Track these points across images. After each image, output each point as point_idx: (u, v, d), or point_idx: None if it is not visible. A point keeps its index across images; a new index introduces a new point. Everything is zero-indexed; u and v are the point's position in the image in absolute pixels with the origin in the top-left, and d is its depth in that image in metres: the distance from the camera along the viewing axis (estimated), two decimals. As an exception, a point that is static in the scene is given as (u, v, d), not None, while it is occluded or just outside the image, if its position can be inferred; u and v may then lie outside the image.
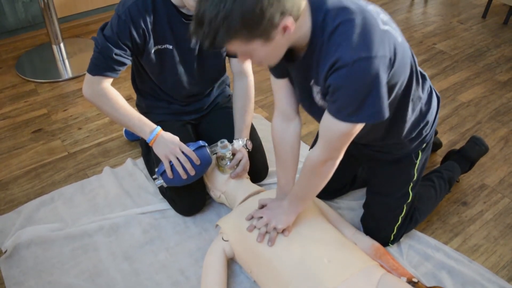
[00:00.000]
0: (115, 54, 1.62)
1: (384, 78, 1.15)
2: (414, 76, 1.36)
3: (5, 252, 1.72)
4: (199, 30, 1.09)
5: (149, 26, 1.64)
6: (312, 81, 1.29)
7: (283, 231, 1.53)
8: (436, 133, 2.19)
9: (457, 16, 3.65)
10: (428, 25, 3.50)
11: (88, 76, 1.68)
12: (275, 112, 1.54)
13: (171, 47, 1.71)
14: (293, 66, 1.33)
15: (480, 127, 2.41)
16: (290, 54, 1.28)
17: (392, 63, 1.18)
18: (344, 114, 1.19)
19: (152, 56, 1.72)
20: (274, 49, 1.16)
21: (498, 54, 3.10)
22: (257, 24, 1.07)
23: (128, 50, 1.65)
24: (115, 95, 1.70)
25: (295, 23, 1.13)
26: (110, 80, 1.70)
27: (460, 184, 2.05)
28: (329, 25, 1.15)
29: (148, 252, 1.74)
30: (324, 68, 1.18)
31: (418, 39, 3.28)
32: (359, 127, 1.24)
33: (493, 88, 2.73)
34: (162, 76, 1.82)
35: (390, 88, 1.26)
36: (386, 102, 1.19)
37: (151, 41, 1.68)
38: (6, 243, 1.75)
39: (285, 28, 1.11)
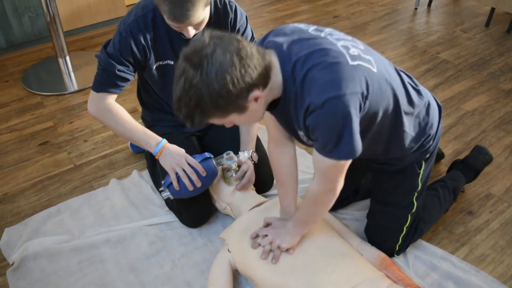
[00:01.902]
0: (118, 71, 1.65)
1: (355, 114, 1.19)
2: (402, 97, 1.39)
3: (12, 264, 1.73)
4: (179, 113, 1.17)
5: (150, 43, 1.66)
6: (296, 126, 1.33)
7: (287, 249, 1.54)
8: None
9: (460, 25, 3.66)
10: (431, 34, 3.51)
11: (92, 93, 1.71)
12: (268, 138, 1.58)
13: (172, 62, 1.73)
14: (274, 113, 1.39)
15: (485, 136, 2.41)
16: (271, 103, 1.32)
17: (365, 96, 1.22)
18: (326, 151, 1.24)
19: (154, 72, 1.75)
20: (252, 115, 1.23)
21: (502, 62, 3.10)
22: (227, 104, 1.14)
23: (130, 66, 1.68)
24: (119, 110, 1.72)
25: (265, 90, 1.19)
26: (115, 96, 1.73)
27: (465, 193, 2.05)
28: (298, 74, 1.21)
29: (154, 263, 1.74)
30: (300, 114, 1.24)
31: (421, 49, 3.29)
32: (347, 162, 1.28)
33: (497, 97, 2.73)
34: (165, 91, 1.84)
35: (373, 115, 1.30)
36: (358, 140, 1.23)
37: (152, 57, 1.70)
38: (13, 255, 1.75)
39: (256, 99, 1.18)
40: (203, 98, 1.11)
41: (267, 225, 1.63)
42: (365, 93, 1.21)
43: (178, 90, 1.13)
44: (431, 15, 3.86)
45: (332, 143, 1.21)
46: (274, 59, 1.23)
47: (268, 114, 1.47)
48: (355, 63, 1.22)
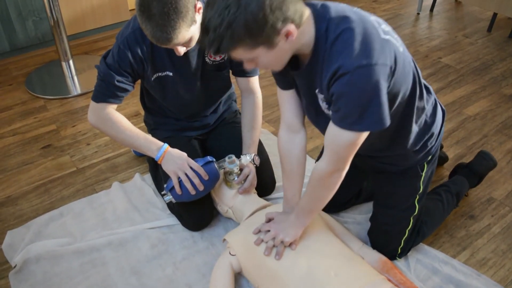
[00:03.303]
0: (117, 81, 1.66)
1: (384, 86, 1.17)
2: (418, 87, 1.38)
3: (15, 266, 1.73)
4: (205, 37, 1.12)
5: (146, 55, 1.67)
6: (317, 89, 1.31)
7: (290, 244, 1.53)
8: (441, 147, 2.19)
9: (462, 30, 3.66)
10: (434, 39, 3.52)
11: (92, 104, 1.73)
12: (281, 124, 1.55)
13: (171, 73, 1.74)
14: (298, 74, 1.35)
15: (486, 140, 2.41)
16: (295, 62, 1.30)
17: (392, 72, 1.20)
18: (347, 123, 1.21)
19: (153, 83, 1.76)
20: (278, 55, 1.19)
21: (504, 67, 3.11)
22: (260, 31, 1.10)
23: (129, 77, 1.69)
24: (119, 118, 1.74)
25: (297, 30, 1.15)
26: (114, 106, 1.74)
27: (467, 197, 2.05)
28: (332, 33, 1.18)
29: (156, 266, 1.75)
30: (326, 76, 1.20)
31: (423, 53, 3.30)
32: (364, 136, 1.25)
33: (499, 102, 2.73)
34: (166, 100, 1.85)
35: (393, 98, 1.28)
36: (387, 110, 1.20)
37: (149, 69, 1.71)
38: (15, 257, 1.76)
39: (287, 35, 1.14)
40: (237, 20, 1.07)
41: (269, 220, 1.62)
42: (393, 67, 1.20)
43: (211, 10, 1.08)
44: (433, 20, 3.87)
45: (356, 114, 1.19)
46: (308, 11, 1.20)
47: (285, 95, 1.45)
48: (387, 37, 1.20)
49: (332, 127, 1.26)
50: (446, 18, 3.88)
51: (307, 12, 1.18)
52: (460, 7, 4.09)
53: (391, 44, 1.21)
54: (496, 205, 2.02)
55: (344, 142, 1.25)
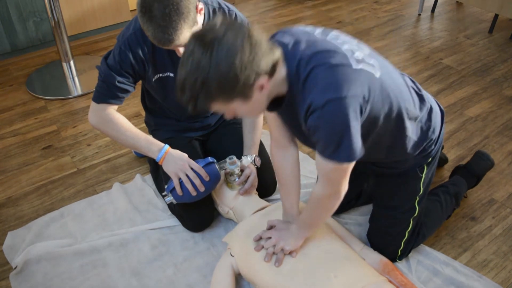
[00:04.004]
0: (118, 82, 1.66)
1: (355, 118, 1.20)
2: (406, 101, 1.39)
3: (15, 267, 1.73)
4: (181, 95, 1.16)
5: (148, 56, 1.67)
6: (302, 125, 1.33)
7: (290, 252, 1.54)
8: (442, 148, 2.19)
9: (464, 31, 3.66)
10: (435, 40, 3.52)
11: (93, 104, 1.73)
12: (271, 141, 1.58)
13: (172, 75, 1.74)
14: (279, 111, 1.38)
15: (487, 141, 2.41)
16: (275, 101, 1.32)
17: (367, 100, 1.23)
18: (328, 154, 1.25)
19: (154, 84, 1.76)
20: (255, 105, 1.22)
21: (505, 68, 3.10)
22: (233, 88, 1.13)
23: (130, 78, 1.69)
24: (120, 119, 1.73)
25: (270, 80, 1.19)
26: (115, 107, 1.74)
27: (468, 199, 2.05)
28: (302, 73, 1.22)
29: (157, 267, 1.74)
30: (302, 113, 1.24)
31: (424, 55, 3.30)
32: (348, 164, 1.27)
33: (500, 103, 2.73)
34: (167, 101, 1.85)
35: (374, 121, 1.31)
36: (358, 143, 1.23)
37: (150, 70, 1.71)
38: (16, 258, 1.76)
39: (261, 87, 1.17)
40: (209, 79, 1.10)
41: (271, 227, 1.63)
42: (367, 97, 1.22)
43: (185, 71, 1.12)
44: (434, 21, 3.87)
45: (332, 146, 1.22)
46: (280, 55, 1.22)
47: (271, 116, 1.47)
48: (359, 67, 1.22)
49: (317, 156, 1.29)
50: (447, 19, 3.88)
51: (276, 57, 1.20)
52: (461, 8, 4.09)
53: (363, 73, 1.23)
54: (498, 207, 2.01)
55: (332, 170, 1.29)
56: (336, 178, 1.32)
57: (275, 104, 1.33)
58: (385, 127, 1.36)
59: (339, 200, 1.39)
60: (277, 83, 1.23)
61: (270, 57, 1.16)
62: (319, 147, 1.26)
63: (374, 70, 1.27)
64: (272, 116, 1.47)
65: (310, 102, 1.19)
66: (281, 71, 1.23)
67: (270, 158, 1.62)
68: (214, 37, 1.09)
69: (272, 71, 1.18)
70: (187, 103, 1.16)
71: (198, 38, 1.12)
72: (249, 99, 1.18)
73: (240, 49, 1.09)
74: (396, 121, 1.38)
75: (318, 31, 1.32)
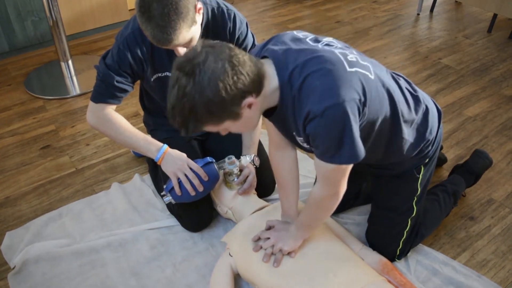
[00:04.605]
0: (117, 82, 1.66)
1: (355, 121, 1.20)
2: (401, 103, 1.39)
3: (14, 268, 1.73)
4: (173, 121, 1.18)
5: (146, 56, 1.67)
6: (294, 132, 1.34)
7: (289, 253, 1.54)
8: (441, 148, 2.19)
9: (463, 31, 3.66)
10: (434, 40, 3.52)
11: (91, 104, 1.72)
12: (269, 142, 1.59)
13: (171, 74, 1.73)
14: (272, 119, 1.39)
15: (486, 141, 2.41)
16: (267, 110, 1.32)
17: (363, 103, 1.23)
18: (327, 157, 1.25)
19: (153, 83, 1.76)
20: (246, 122, 1.24)
21: (504, 68, 3.10)
22: (221, 111, 1.15)
23: (129, 77, 1.69)
24: (118, 119, 1.73)
25: (258, 96, 1.20)
26: (114, 107, 1.74)
27: (467, 198, 2.05)
28: (296, 81, 1.22)
29: (156, 268, 1.74)
30: (300, 121, 1.24)
31: (423, 54, 3.30)
32: (347, 165, 1.28)
33: (499, 103, 2.73)
34: (165, 101, 1.84)
35: (372, 124, 1.31)
36: (360, 144, 1.24)
37: (149, 69, 1.71)
38: (14, 259, 1.75)
39: (249, 105, 1.18)
40: (196, 105, 1.12)
41: (269, 228, 1.62)
42: (363, 99, 1.22)
43: (172, 99, 1.15)
44: (433, 20, 3.87)
45: (333, 149, 1.22)
46: (268, 67, 1.24)
47: (267, 120, 1.47)
48: (353, 69, 1.23)
49: (316, 159, 1.30)
50: (446, 19, 3.88)
51: (264, 69, 1.21)
52: (460, 7, 4.09)
53: (358, 75, 1.23)
54: (496, 206, 2.01)
55: (331, 172, 1.29)
56: (335, 179, 1.32)
57: (268, 113, 1.33)
58: (382, 130, 1.37)
59: (338, 201, 1.39)
60: (267, 96, 1.24)
61: (256, 75, 1.17)
62: (318, 151, 1.27)
63: (368, 72, 1.27)
64: (268, 120, 1.47)
65: (308, 111, 1.19)
66: (272, 83, 1.24)
67: (269, 158, 1.61)
68: (196, 64, 1.11)
69: (259, 88, 1.19)
70: (179, 128, 1.19)
71: (180, 66, 1.14)
72: (239, 118, 1.19)
73: (222, 72, 1.11)
74: (392, 123, 1.39)
75: (310, 38, 1.33)
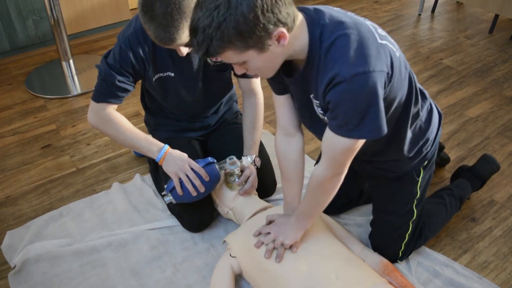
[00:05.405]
0: (118, 81, 1.65)
1: (381, 93, 1.16)
2: (413, 93, 1.37)
3: (14, 267, 1.72)
4: (193, 38, 1.09)
5: (148, 55, 1.66)
6: (312, 95, 1.30)
7: (290, 247, 1.53)
8: (442, 148, 2.19)
9: (464, 31, 3.66)
10: (435, 40, 3.51)
11: (92, 104, 1.71)
12: (277, 128, 1.55)
13: (173, 74, 1.73)
14: (291, 80, 1.34)
15: (488, 142, 2.41)
16: (288, 68, 1.28)
17: (389, 78, 1.19)
18: (345, 130, 1.20)
19: (154, 83, 1.75)
20: (269, 59, 1.17)
21: (506, 69, 3.10)
22: (250, 33, 1.07)
23: (130, 77, 1.68)
24: (120, 119, 1.72)
25: (289, 34, 1.14)
26: (115, 106, 1.73)
27: (468, 200, 2.04)
28: (326, 39, 1.16)
29: (156, 268, 1.74)
30: (322, 83, 1.18)
31: (424, 55, 3.29)
32: (361, 142, 1.24)
33: (500, 103, 2.73)
34: (167, 101, 1.84)
35: (389, 104, 1.27)
36: (384, 118, 1.19)
37: (151, 69, 1.70)
38: (15, 258, 1.75)
39: (279, 38, 1.12)
40: (227, 20, 1.04)
41: (270, 222, 1.62)
42: (390, 73, 1.18)
43: (199, 10, 1.06)
44: (434, 21, 3.86)
45: (354, 121, 1.17)
46: (301, 16, 1.18)
47: (280, 100, 1.44)
48: (383, 42, 1.19)
49: (329, 133, 1.25)
50: (448, 20, 3.87)
51: (300, 17, 1.16)
52: (461, 8, 4.09)
53: (387, 49, 1.20)
54: (498, 208, 2.01)
55: (342, 148, 1.24)
56: (343, 157, 1.27)
57: (289, 71, 1.28)
58: (392, 116, 1.33)
59: (339, 182, 1.35)
60: (296, 42, 1.18)
61: (291, 10, 1.12)
62: (335, 123, 1.21)
63: (395, 49, 1.24)
64: (281, 101, 1.44)
65: (335, 74, 1.13)
66: (302, 32, 1.18)
67: (275, 149, 1.57)
68: None
69: (292, 25, 1.13)
70: (199, 47, 1.09)
71: None
72: (265, 50, 1.12)
73: None
74: (402, 110, 1.36)
75: (336, 9, 1.28)
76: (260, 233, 1.60)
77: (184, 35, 1.43)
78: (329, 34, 1.16)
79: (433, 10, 3.99)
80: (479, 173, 2.00)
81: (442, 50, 3.37)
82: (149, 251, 1.80)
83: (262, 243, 1.56)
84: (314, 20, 1.19)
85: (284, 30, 1.11)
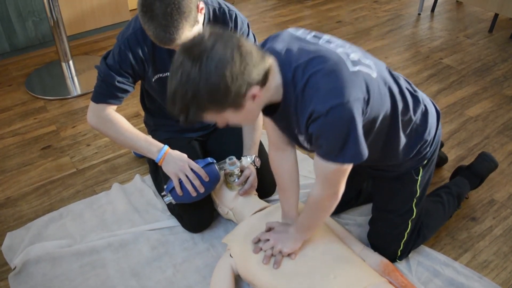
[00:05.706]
0: (118, 82, 1.65)
1: (359, 120, 1.20)
2: (399, 103, 1.38)
3: (14, 268, 1.72)
4: (173, 107, 1.16)
5: (147, 56, 1.66)
6: (296, 131, 1.33)
7: (289, 254, 1.53)
8: (442, 146, 2.18)
9: (464, 30, 3.65)
10: (435, 40, 3.51)
11: (92, 104, 1.72)
12: (268, 144, 1.58)
13: None
14: (274, 118, 1.37)
15: (488, 141, 2.41)
16: (268, 107, 1.31)
17: (367, 101, 1.23)
18: (331, 157, 1.25)
19: (154, 83, 1.75)
20: (247, 113, 1.21)
21: (505, 68, 3.10)
22: (224, 99, 1.12)
23: (130, 78, 1.68)
24: (119, 119, 1.73)
25: (262, 89, 1.18)
26: (114, 107, 1.73)
27: (468, 199, 2.04)
28: (300, 81, 1.21)
29: (156, 268, 1.74)
30: (303, 121, 1.23)
31: (424, 54, 3.29)
32: (349, 165, 1.28)
33: (500, 103, 2.73)
34: (166, 101, 1.84)
35: (372, 121, 1.31)
36: (364, 144, 1.24)
37: (150, 70, 1.70)
38: (15, 259, 1.75)
39: (253, 97, 1.16)
40: (200, 91, 1.09)
41: (269, 229, 1.62)
42: (366, 97, 1.22)
43: (174, 83, 1.12)
44: (434, 20, 3.86)
45: (337, 149, 1.22)
46: (273, 63, 1.22)
47: (267, 120, 1.47)
48: (356, 68, 1.22)
49: (317, 159, 1.29)
50: (447, 19, 3.87)
51: (268, 65, 1.19)
52: (461, 7, 4.09)
53: (361, 74, 1.22)
54: (498, 207, 2.01)
55: (332, 171, 1.29)
56: (335, 179, 1.32)
57: (269, 110, 1.32)
58: (381, 128, 1.36)
59: (337, 201, 1.39)
60: (271, 91, 1.22)
61: (262, 66, 1.15)
62: (321, 151, 1.26)
63: (371, 71, 1.27)
64: (268, 120, 1.47)
65: (312, 110, 1.18)
66: (275, 79, 1.22)
67: (269, 162, 1.61)
68: (203, 49, 1.08)
69: (264, 80, 1.17)
70: (179, 114, 1.16)
71: (186, 50, 1.10)
72: (241, 108, 1.17)
73: (230, 60, 1.08)
74: (391, 122, 1.39)
75: (310, 36, 1.32)
76: (259, 240, 1.60)
77: (184, 35, 1.43)
78: (301, 74, 1.21)
79: (432, 10, 3.99)
80: (477, 171, 2.00)
81: (442, 49, 3.37)
82: (149, 252, 1.80)
83: (261, 249, 1.57)
84: (285, 63, 1.23)
85: (256, 89, 1.15)
